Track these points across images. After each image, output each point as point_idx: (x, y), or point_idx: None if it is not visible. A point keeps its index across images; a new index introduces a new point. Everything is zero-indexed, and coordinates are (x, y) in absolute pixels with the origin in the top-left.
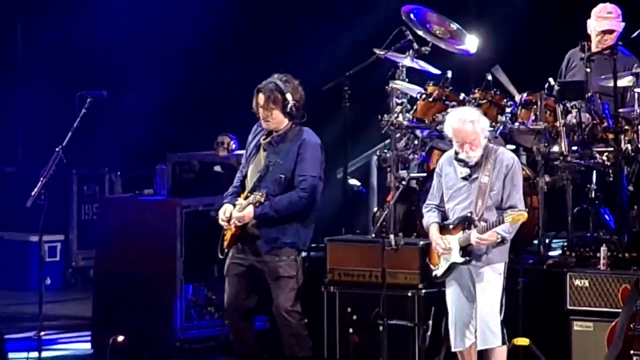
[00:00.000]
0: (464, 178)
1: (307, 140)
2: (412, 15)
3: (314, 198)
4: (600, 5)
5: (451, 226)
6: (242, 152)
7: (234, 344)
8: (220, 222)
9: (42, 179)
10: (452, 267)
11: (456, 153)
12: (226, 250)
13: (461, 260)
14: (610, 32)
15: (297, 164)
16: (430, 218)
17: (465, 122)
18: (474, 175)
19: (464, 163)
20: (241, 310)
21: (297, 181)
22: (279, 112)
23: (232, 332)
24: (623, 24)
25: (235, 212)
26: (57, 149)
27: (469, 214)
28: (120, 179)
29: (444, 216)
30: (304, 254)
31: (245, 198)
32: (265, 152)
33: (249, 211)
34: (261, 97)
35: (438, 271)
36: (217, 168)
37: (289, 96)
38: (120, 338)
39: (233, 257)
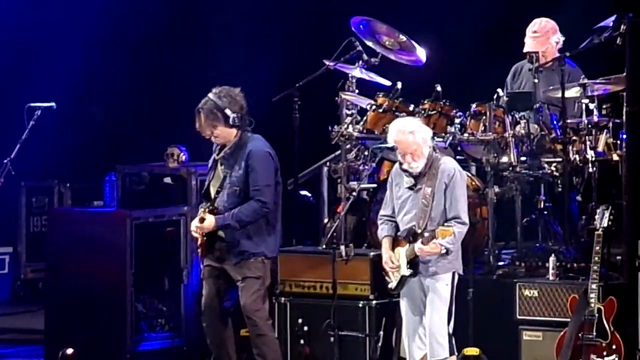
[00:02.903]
0: (410, 188)
1: (253, 150)
2: (361, 27)
3: (274, 205)
4: (532, 22)
5: (399, 239)
6: (192, 163)
7: (210, 345)
8: (192, 233)
9: None
10: (403, 280)
11: (400, 164)
12: (203, 259)
13: (407, 273)
14: (536, 52)
15: (248, 175)
16: (382, 231)
17: (405, 132)
18: (419, 186)
19: (409, 173)
20: (217, 310)
21: (252, 193)
22: (223, 127)
23: (209, 333)
24: (559, 37)
25: (196, 222)
26: (5, 161)
27: (412, 226)
28: (69, 191)
29: (397, 227)
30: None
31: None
32: (222, 166)
33: (210, 221)
34: (202, 118)
35: (392, 284)
36: (167, 180)
37: (227, 111)
38: (70, 351)
39: (207, 260)
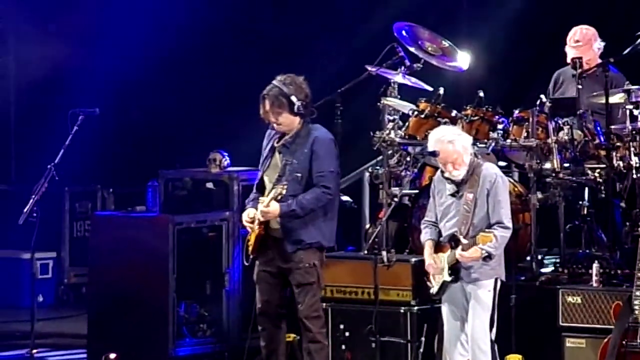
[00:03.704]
0: (452, 195)
1: (319, 137)
2: (404, 32)
3: (336, 192)
4: (572, 31)
5: (441, 244)
6: (234, 169)
7: (264, 349)
8: (245, 224)
9: (34, 196)
10: (445, 285)
11: (442, 171)
12: (252, 256)
13: (449, 279)
14: (580, 58)
15: (312, 162)
16: (425, 235)
17: (444, 142)
18: (461, 192)
19: (451, 181)
20: (273, 314)
21: (316, 179)
22: (288, 114)
23: (264, 337)
24: (599, 43)
25: (260, 207)
26: (49, 166)
27: (454, 233)
28: (112, 196)
29: (440, 233)
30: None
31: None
32: (281, 154)
33: (275, 207)
34: (267, 104)
35: (433, 289)
36: (209, 185)
37: (293, 98)
38: (112, 356)
39: (261, 265)
